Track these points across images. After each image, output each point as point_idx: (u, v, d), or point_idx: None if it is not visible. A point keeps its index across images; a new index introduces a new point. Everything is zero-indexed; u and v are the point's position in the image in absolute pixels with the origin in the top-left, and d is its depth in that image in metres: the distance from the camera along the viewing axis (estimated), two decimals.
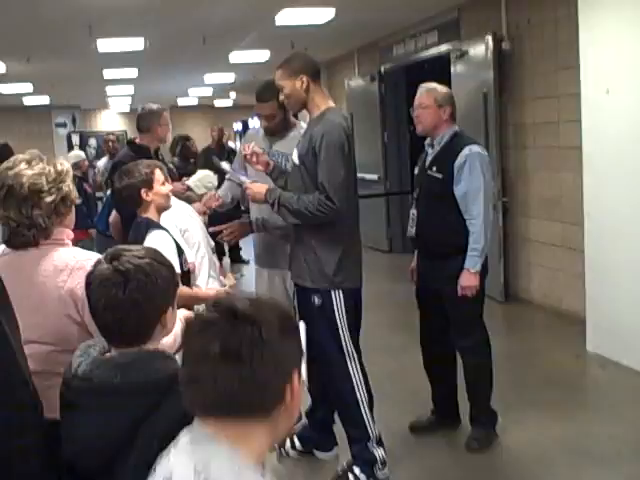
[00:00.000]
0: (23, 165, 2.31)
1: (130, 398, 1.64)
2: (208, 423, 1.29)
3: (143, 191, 3.32)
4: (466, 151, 3.84)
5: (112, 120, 22.61)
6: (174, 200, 3.60)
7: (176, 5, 7.37)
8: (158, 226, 3.32)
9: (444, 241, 3.90)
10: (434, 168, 3.90)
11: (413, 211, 4.03)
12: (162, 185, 3.40)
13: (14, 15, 7.39)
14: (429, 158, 3.99)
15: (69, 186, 2.37)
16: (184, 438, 1.32)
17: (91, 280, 1.85)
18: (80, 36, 8.42)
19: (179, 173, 5.36)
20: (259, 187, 3.63)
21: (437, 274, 3.94)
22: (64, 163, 2.43)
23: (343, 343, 3.59)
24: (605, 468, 3.72)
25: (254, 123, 14.28)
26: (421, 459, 3.99)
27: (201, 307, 3.79)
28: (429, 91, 4.00)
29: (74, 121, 20.64)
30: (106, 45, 9.18)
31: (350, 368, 3.60)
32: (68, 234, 2.41)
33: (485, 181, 3.83)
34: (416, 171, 4.16)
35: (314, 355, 3.38)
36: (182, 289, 3.11)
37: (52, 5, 7.05)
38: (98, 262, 1.87)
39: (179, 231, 3.66)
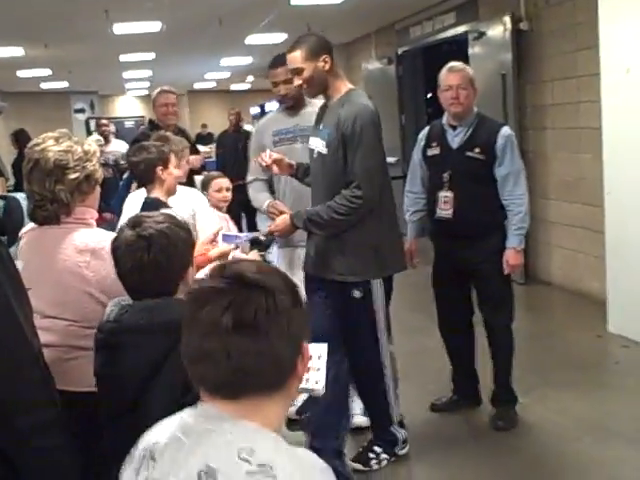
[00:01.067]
0: (51, 142, 2.38)
1: (155, 336, 1.82)
2: (220, 403, 1.18)
3: (159, 168, 3.36)
4: (504, 132, 3.90)
5: (130, 105, 22.69)
6: (179, 194, 3.60)
7: None
8: (167, 206, 3.31)
9: (485, 220, 3.91)
10: (477, 150, 3.86)
11: (446, 193, 3.93)
12: (175, 168, 3.46)
13: (31, 1, 7.41)
14: (457, 139, 3.95)
15: (95, 166, 2.43)
16: (199, 424, 1.18)
17: (117, 246, 2.01)
18: (97, 20, 8.45)
19: None
20: (281, 222, 3.41)
21: (475, 253, 3.92)
22: (92, 144, 2.52)
23: (379, 334, 3.46)
24: (627, 446, 3.72)
25: (271, 107, 14.25)
26: (441, 437, 4.01)
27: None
28: (465, 71, 3.98)
29: (92, 107, 20.71)
30: (123, 29, 9.20)
31: (382, 358, 3.49)
32: (92, 214, 2.45)
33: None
34: (433, 152, 4.05)
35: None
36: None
37: None
38: (121, 229, 2.03)
39: None
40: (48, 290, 2.24)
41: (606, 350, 5.38)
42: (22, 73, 13.74)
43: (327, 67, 3.25)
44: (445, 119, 4.03)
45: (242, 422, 1.16)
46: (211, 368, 1.15)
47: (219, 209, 4.43)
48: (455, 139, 3.96)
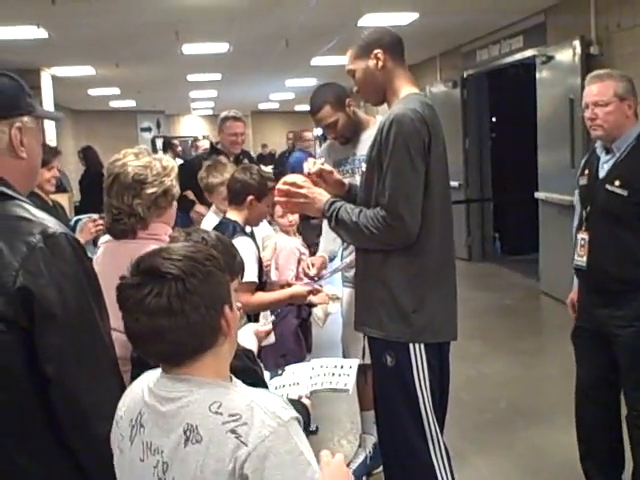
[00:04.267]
0: (131, 157, 2.45)
1: None
2: (173, 370, 1.45)
3: (251, 197, 3.29)
4: None
5: (194, 124, 23.09)
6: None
7: (260, 10, 7.47)
8: (245, 233, 3.29)
9: (627, 274, 3.04)
10: (617, 182, 3.00)
11: (583, 235, 3.15)
12: (267, 206, 3.41)
13: (104, 22, 7.62)
14: (605, 166, 3.10)
15: (172, 181, 2.47)
16: (168, 392, 1.44)
17: None
18: (167, 41, 8.63)
19: None
20: (320, 195, 2.67)
21: (611, 314, 3.08)
22: (170, 160, 2.56)
23: (425, 423, 2.57)
24: None
25: None
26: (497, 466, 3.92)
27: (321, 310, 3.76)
28: (605, 81, 3.05)
29: (158, 126, 21.17)
30: (191, 50, 9.39)
31: (434, 457, 2.58)
32: (166, 230, 2.47)
33: None
34: (583, 181, 3.23)
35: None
36: (260, 295, 3.14)
37: (141, 12, 7.24)
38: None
39: None
40: (112, 302, 2.27)
41: None
42: (93, 92, 14.12)
43: (380, 64, 2.63)
44: (599, 141, 3.20)
45: (201, 380, 1.43)
46: (149, 346, 1.44)
47: (287, 233, 4.36)
48: (604, 166, 3.11)
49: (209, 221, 3.86)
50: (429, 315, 2.57)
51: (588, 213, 3.15)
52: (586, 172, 3.22)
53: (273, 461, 1.32)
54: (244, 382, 1.52)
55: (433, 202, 2.54)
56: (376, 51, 2.63)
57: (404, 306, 2.55)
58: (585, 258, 3.13)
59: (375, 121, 3.61)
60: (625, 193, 2.97)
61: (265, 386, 2.14)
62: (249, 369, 2.04)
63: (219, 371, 1.47)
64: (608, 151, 3.10)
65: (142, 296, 1.39)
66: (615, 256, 3.05)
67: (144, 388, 1.50)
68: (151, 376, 1.51)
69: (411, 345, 2.56)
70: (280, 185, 2.71)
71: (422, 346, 2.56)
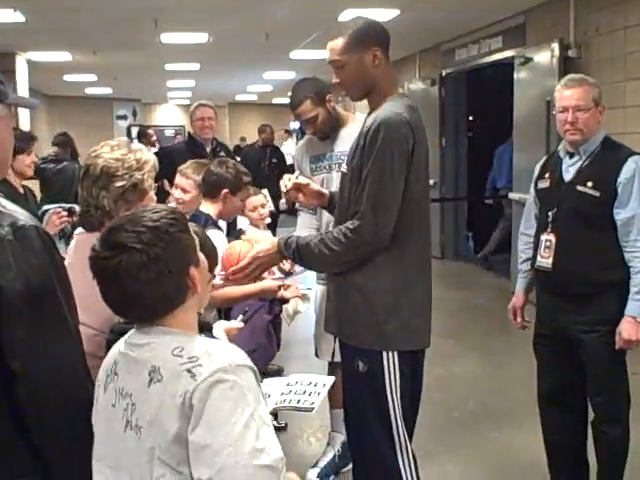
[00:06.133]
0: (106, 149, 2.39)
1: None
2: (147, 325, 1.57)
3: (225, 190, 3.28)
4: (631, 163, 2.99)
5: (171, 113, 22.92)
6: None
7: (241, 2, 7.42)
8: (217, 226, 3.27)
9: (594, 276, 3.04)
10: (589, 184, 3.01)
11: (548, 237, 3.14)
12: (241, 201, 3.40)
13: (83, 9, 7.53)
14: (571, 169, 3.12)
15: (144, 175, 2.39)
16: (138, 340, 1.57)
17: None
18: (146, 30, 8.57)
19: None
20: (266, 251, 2.60)
21: (574, 319, 3.07)
22: (147, 154, 2.47)
23: (394, 430, 2.53)
24: None
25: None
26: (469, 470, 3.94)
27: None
28: (584, 86, 3.08)
29: (134, 114, 20.96)
30: (170, 39, 9.31)
31: (401, 464, 2.55)
32: None
33: None
34: (543, 184, 3.25)
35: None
36: (229, 289, 3.11)
37: None
38: None
39: None
40: (81, 297, 2.24)
41: None
42: (69, 77, 13.96)
43: (377, 62, 2.52)
44: (562, 145, 3.22)
45: (168, 329, 1.55)
46: (123, 310, 1.60)
47: (258, 227, 4.31)
48: (570, 169, 3.13)
49: None
50: (403, 322, 2.51)
51: (554, 215, 3.13)
52: (546, 175, 3.24)
53: (216, 392, 1.43)
54: None
55: (412, 206, 2.48)
56: (375, 48, 2.51)
57: (378, 313, 2.49)
58: (551, 259, 3.12)
59: (354, 118, 3.56)
60: (597, 194, 3.00)
61: None
62: None
63: (188, 324, 1.59)
64: (572, 155, 3.13)
65: (112, 267, 1.49)
66: (583, 258, 3.05)
67: (121, 342, 1.63)
68: (129, 333, 1.64)
69: (384, 352, 2.50)
70: (231, 277, 2.65)
71: (395, 354, 2.50)
